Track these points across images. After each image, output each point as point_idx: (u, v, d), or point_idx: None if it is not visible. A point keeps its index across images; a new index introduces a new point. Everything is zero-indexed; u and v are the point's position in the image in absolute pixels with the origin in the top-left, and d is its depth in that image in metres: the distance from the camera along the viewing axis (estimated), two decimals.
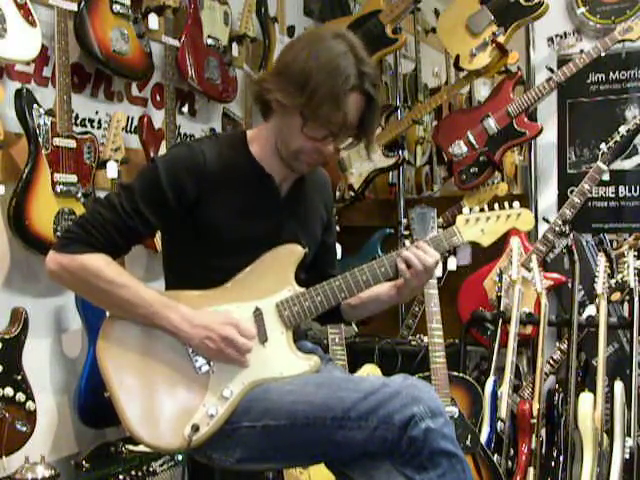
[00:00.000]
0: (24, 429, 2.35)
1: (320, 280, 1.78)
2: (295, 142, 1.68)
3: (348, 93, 1.60)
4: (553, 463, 2.69)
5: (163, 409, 1.64)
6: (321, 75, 1.59)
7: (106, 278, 1.62)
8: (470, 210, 1.83)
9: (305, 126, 1.64)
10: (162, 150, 3.00)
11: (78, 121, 2.83)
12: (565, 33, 3.41)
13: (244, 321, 1.66)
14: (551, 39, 3.44)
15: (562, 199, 3.29)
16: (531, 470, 2.65)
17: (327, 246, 1.95)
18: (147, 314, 1.63)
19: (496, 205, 1.84)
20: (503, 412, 2.71)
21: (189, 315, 1.64)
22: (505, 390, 2.73)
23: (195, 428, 1.61)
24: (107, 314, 1.74)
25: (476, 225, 1.81)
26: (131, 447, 2.58)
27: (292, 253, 1.75)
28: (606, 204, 3.37)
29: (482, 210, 1.82)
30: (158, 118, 3.10)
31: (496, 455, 2.65)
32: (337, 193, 3.89)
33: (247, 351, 1.64)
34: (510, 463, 2.71)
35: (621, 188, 3.34)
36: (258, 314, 1.70)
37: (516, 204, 1.85)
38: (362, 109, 1.65)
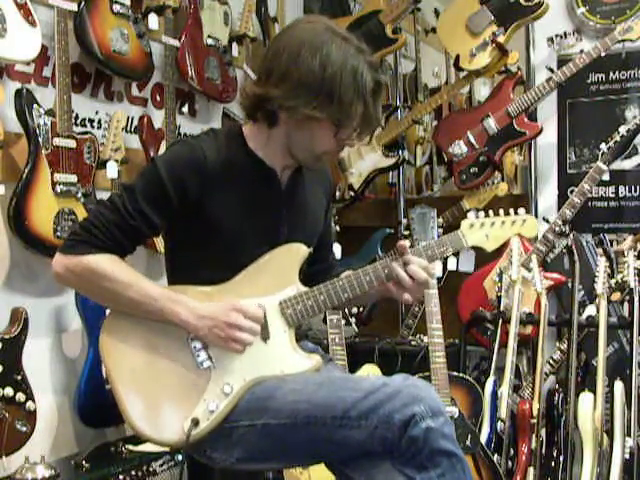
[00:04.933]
0: (24, 429, 2.35)
1: (314, 264, 1.82)
2: (323, 146, 1.70)
3: (369, 88, 1.63)
4: (553, 463, 2.69)
5: (163, 403, 1.65)
6: (344, 80, 1.60)
7: (113, 279, 1.63)
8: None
9: (339, 132, 1.66)
10: (162, 150, 3.00)
11: (78, 121, 2.83)
12: (565, 33, 3.41)
13: (249, 305, 1.66)
14: (551, 39, 3.44)
15: (562, 199, 3.29)
16: (531, 470, 2.65)
17: (324, 229, 1.96)
18: (154, 310, 1.64)
19: (501, 211, 1.84)
20: (503, 412, 2.71)
21: (195, 307, 1.65)
22: (505, 390, 2.73)
23: (195, 422, 1.61)
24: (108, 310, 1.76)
25: (480, 230, 1.80)
26: (131, 447, 2.58)
27: (296, 252, 1.75)
28: (606, 204, 3.36)
29: (487, 215, 1.83)
30: (158, 118, 3.10)
31: (496, 455, 2.65)
32: (337, 193, 3.89)
33: (255, 333, 1.65)
34: (510, 463, 2.71)
35: (621, 188, 3.34)
36: None
37: (521, 210, 1.85)
38: (378, 97, 1.67)
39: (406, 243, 1.73)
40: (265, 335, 1.69)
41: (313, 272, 1.82)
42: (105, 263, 1.64)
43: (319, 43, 1.63)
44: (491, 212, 1.83)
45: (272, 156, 1.75)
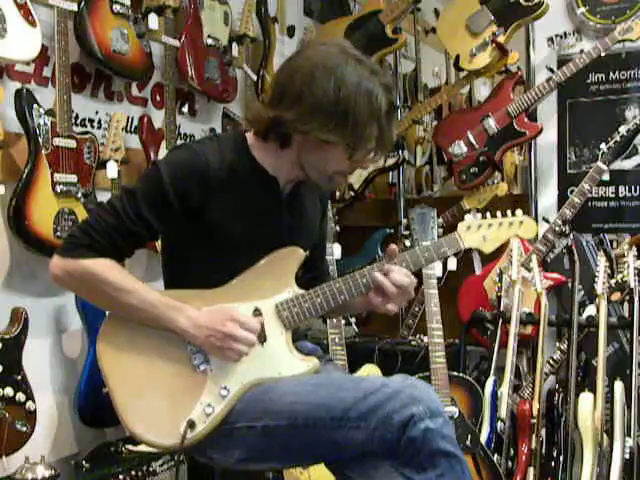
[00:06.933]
0: (24, 429, 2.35)
1: (309, 273, 1.83)
2: (335, 167, 1.70)
3: (384, 110, 1.63)
4: (553, 463, 2.69)
5: (160, 406, 1.65)
6: (358, 102, 1.60)
7: (111, 284, 1.63)
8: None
9: (354, 154, 1.66)
10: (162, 150, 2.99)
11: (78, 121, 2.83)
12: (565, 33, 3.41)
13: (245, 315, 1.66)
14: (551, 39, 3.44)
15: (562, 199, 3.29)
16: (531, 470, 2.65)
17: (318, 239, 1.96)
18: (152, 317, 1.65)
19: (499, 212, 1.84)
20: (503, 412, 2.71)
21: (193, 316, 1.65)
22: (505, 390, 2.73)
23: (191, 424, 1.61)
24: (107, 312, 1.75)
25: (478, 232, 1.80)
26: (131, 447, 2.58)
27: (293, 256, 1.76)
28: (606, 204, 3.37)
29: (484, 217, 1.82)
30: (158, 118, 3.10)
31: (496, 455, 2.65)
32: (337, 193, 3.89)
33: (250, 344, 1.64)
34: (510, 463, 2.71)
35: (621, 188, 3.34)
36: (257, 314, 1.70)
37: (519, 212, 1.85)
38: (392, 118, 1.68)
39: (394, 247, 1.74)
40: (262, 338, 1.69)
41: (306, 280, 1.81)
42: (104, 268, 1.64)
43: (333, 65, 1.61)
44: (489, 214, 1.83)
45: (277, 170, 1.75)
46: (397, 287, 1.71)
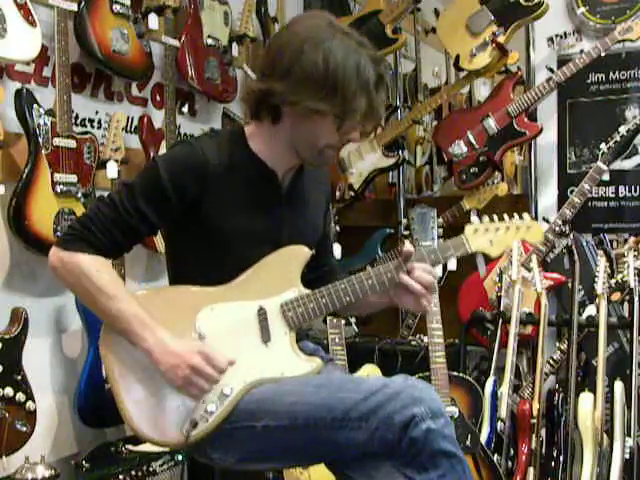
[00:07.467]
0: (24, 429, 2.35)
1: (316, 268, 1.82)
2: (325, 140, 1.70)
3: (372, 81, 1.64)
4: (553, 463, 2.69)
5: (163, 404, 1.64)
6: (346, 73, 1.61)
7: (95, 283, 1.62)
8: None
9: (342, 126, 1.67)
10: (162, 150, 3.00)
11: (78, 121, 2.83)
12: (565, 33, 3.41)
13: (215, 352, 1.62)
14: (551, 39, 3.44)
15: (562, 199, 3.29)
16: (531, 470, 2.65)
17: (324, 233, 1.96)
18: (124, 330, 1.63)
19: (506, 216, 1.83)
20: (503, 412, 2.71)
21: (164, 340, 1.61)
22: (505, 390, 2.73)
23: (194, 424, 1.61)
24: None
25: (485, 235, 1.80)
26: (131, 447, 2.58)
27: (298, 254, 1.75)
28: (606, 204, 3.36)
29: (492, 220, 1.82)
30: (158, 118, 3.10)
31: (496, 455, 2.65)
32: (337, 193, 3.89)
33: (214, 382, 1.61)
34: (510, 463, 2.71)
35: (621, 188, 3.34)
36: (262, 313, 1.70)
37: (526, 215, 1.85)
38: (380, 90, 1.68)
39: (411, 249, 1.72)
40: (266, 337, 1.69)
41: (316, 277, 1.82)
42: (94, 266, 1.63)
43: (321, 39, 1.64)
44: (496, 217, 1.82)
45: (275, 157, 1.75)
46: (422, 284, 1.71)
